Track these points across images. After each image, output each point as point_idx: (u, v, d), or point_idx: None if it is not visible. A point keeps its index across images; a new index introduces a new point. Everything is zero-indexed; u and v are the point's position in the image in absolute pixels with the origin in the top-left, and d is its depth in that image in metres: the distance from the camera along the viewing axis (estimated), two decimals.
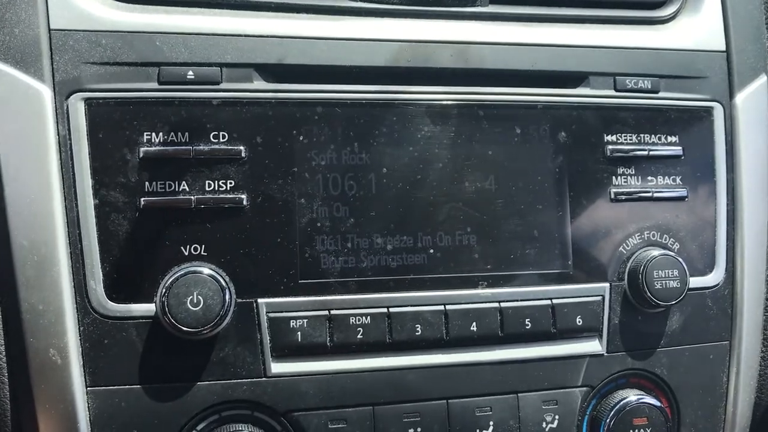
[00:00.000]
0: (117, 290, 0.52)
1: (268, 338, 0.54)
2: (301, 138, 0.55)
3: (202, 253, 0.53)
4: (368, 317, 0.55)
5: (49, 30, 0.53)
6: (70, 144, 0.52)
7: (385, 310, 0.55)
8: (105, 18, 0.54)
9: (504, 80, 0.60)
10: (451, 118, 0.58)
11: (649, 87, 0.62)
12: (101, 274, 0.52)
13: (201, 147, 0.54)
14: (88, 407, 0.52)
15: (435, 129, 0.58)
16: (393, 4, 0.59)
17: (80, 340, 0.52)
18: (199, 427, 0.53)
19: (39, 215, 0.52)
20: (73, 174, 0.52)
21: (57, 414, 0.52)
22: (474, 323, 0.56)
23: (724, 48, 0.65)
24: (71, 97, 0.53)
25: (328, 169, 0.56)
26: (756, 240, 0.64)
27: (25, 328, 0.51)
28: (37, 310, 0.51)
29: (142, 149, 0.53)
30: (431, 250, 0.57)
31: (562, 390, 0.59)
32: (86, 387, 0.52)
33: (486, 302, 0.57)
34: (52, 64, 0.53)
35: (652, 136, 0.62)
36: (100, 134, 0.53)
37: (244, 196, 0.54)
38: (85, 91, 0.53)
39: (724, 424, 0.63)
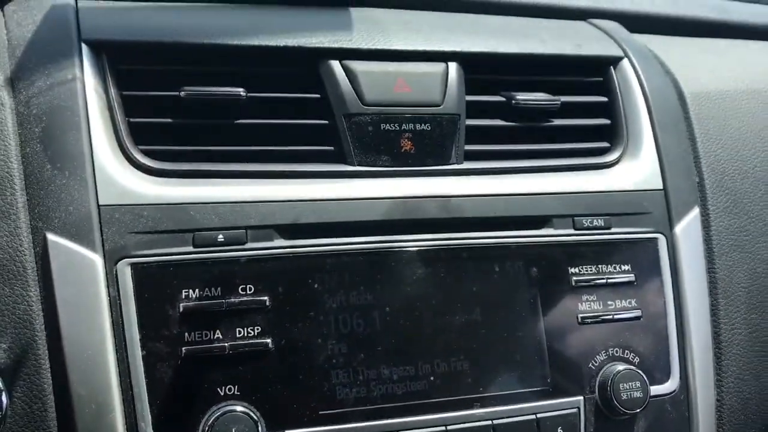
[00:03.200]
0: (164, 430, 0.61)
1: None
2: (315, 286, 0.66)
3: (236, 392, 0.63)
4: None
5: (98, 206, 0.64)
6: (120, 304, 0.62)
7: None
8: (145, 193, 0.65)
9: (481, 226, 0.72)
10: (439, 261, 0.70)
11: (602, 224, 0.75)
12: (150, 416, 0.61)
13: (231, 299, 0.64)
14: None
15: (427, 271, 0.69)
16: (384, 166, 0.72)
17: None
18: None
19: (95, 367, 0.61)
20: (123, 330, 0.62)
21: None
22: None
23: (661, 187, 0.80)
24: (119, 263, 0.63)
25: (339, 311, 0.66)
26: (703, 351, 0.76)
27: None
28: None
29: (181, 305, 0.63)
30: (431, 377, 0.67)
31: None
32: None
33: (481, 420, 0.67)
34: (102, 235, 0.63)
35: (609, 266, 0.75)
36: (146, 294, 0.63)
37: (269, 341, 0.64)
38: (131, 257, 0.63)
39: None
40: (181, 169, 0.68)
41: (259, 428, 0.61)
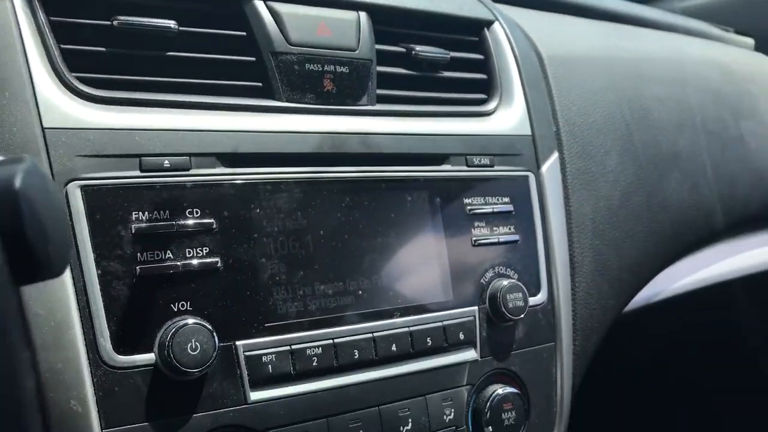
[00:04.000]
0: (122, 344, 0.64)
1: (246, 372, 0.68)
2: (257, 210, 0.72)
3: (189, 308, 0.67)
4: (320, 348, 0.72)
5: (43, 129, 0.64)
6: (72, 225, 0.63)
7: (331, 341, 0.73)
8: (89, 119, 0.66)
9: (395, 161, 0.81)
10: (362, 190, 0.78)
11: (488, 162, 0.88)
12: (108, 332, 0.63)
13: (180, 222, 0.67)
14: None
15: (352, 198, 0.77)
16: (309, 103, 0.78)
17: (95, 389, 0.62)
18: None
19: (52, 287, 0.61)
20: (78, 250, 0.63)
21: None
22: (394, 345, 0.76)
23: (530, 133, 0.94)
24: (69, 185, 0.64)
25: (278, 234, 0.72)
26: (563, 270, 0.92)
27: (45, 386, 0.60)
28: (56, 369, 0.61)
29: (133, 226, 0.65)
30: (359, 292, 0.76)
31: (454, 389, 0.80)
32: (102, 429, 0.62)
33: (401, 328, 0.77)
34: (49, 158, 0.64)
35: (494, 197, 0.87)
36: (97, 216, 0.64)
37: (218, 260, 0.69)
38: (80, 180, 0.64)
39: (556, 403, 0.90)
40: (122, 97, 0.69)
41: (215, 339, 0.66)
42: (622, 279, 1.01)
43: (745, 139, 1.28)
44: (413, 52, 0.88)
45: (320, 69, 0.79)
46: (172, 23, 0.73)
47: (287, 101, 0.78)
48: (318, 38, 0.80)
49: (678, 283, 1.19)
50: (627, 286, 1.03)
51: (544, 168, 0.94)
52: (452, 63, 0.92)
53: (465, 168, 0.87)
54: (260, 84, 0.77)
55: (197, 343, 0.64)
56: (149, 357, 0.65)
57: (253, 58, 0.77)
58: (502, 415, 0.82)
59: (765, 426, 1.71)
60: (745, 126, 1.28)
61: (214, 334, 0.66)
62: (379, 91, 0.84)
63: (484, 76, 0.96)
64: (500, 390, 0.83)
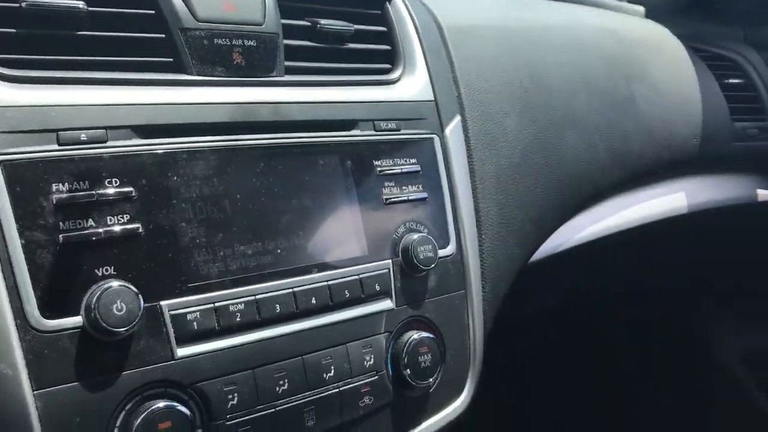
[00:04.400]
0: (50, 309, 0.67)
1: (172, 330, 0.72)
2: (174, 178, 0.75)
3: (113, 272, 0.70)
4: (242, 304, 0.77)
5: None
6: None
7: (253, 297, 0.78)
8: (5, 97, 0.69)
9: (306, 128, 0.86)
10: (276, 156, 0.83)
11: (395, 127, 0.94)
12: (35, 299, 0.66)
13: (100, 191, 0.71)
14: (37, 407, 0.65)
15: (267, 164, 0.82)
16: (220, 76, 0.82)
17: (24, 353, 0.65)
18: (127, 407, 0.70)
19: None
20: (1, 222, 0.66)
21: (12, 416, 0.64)
22: (313, 298, 0.81)
23: (433, 98, 1.00)
24: None
25: (197, 200, 0.76)
26: (470, 223, 0.99)
27: None
28: None
29: (54, 197, 0.68)
30: (278, 251, 0.80)
31: (373, 337, 0.86)
32: (33, 390, 0.65)
33: (319, 282, 0.82)
34: None
35: (401, 159, 0.93)
36: (18, 189, 0.67)
37: (139, 225, 0.72)
38: None
39: (469, 346, 0.97)
40: (38, 75, 0.72)
41: (141, 300, 0.69)
42: (525, 231, 1.09)
43: (636, 100, 1.38)
44: (318, 26, 0.93)
45: (228, 43, 0.83)
46: (80, 3, 0.75)
47: (198, 75, 0.81)
48: (225, 14, 0.84)
49: (580, 234, 1.29)
50: (531, 237, 1.12)
51: (448, 130, 1.00)
52: (357, 35, 0.97)
53: (373, 132, 0.92)
54: (171, 59, 0.81)
55: (123, 304, 0.68)
56: (76, 320, 0.68)
57: (163, 35, 0.80)
58: (419, 358, 0.88)
59: (659, 354, 1.86)
60: (636, 88, 1.38)
61: (139, 295, 0.70)
62: (288, 63, 0.89)
63: (387, 47, 1.01)
64: (416, 335, 0.89)
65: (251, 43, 0.85)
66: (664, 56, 1.56)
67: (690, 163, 1.49)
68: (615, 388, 2.01)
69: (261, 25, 0.86)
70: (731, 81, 1.65)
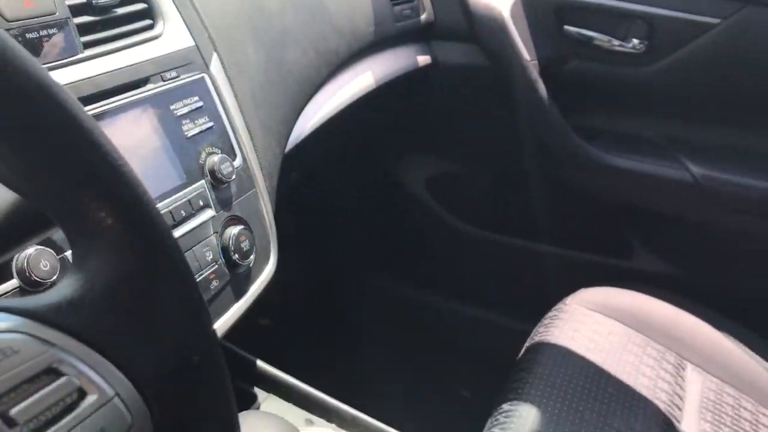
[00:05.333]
0: None
1: None
2: None
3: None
4: None
5: None
6: None
7: None
8: None
9: (110, 94, 1.07)
10: (104, 118, 1.04)
11: (176, 75, 1.18)
12: None
13: None
14: None
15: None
16: (43, 64, 0.99)
17: None
18: None
19: None
20: None
21: None
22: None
23: (194, 43, 1.25)
24: None
25: None
26: (246, 137, 1.29)
27: None
28: None
29: None
30: None
31: (207, 239, 1.15)
32: None
33: (163, 209, 1.08)
34: None
35: (188, 99, 1.19)
36: None
37: None
38: None
39: (268, 229, 1.30)
40: None
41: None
42: (280, 132, 1.42)
43: (325, 4, 1.73)
44: (93, 2, 1.11)
45: (38, 36, 1.00)
46: None
47: None
48: (27, 11, 0.99)
49: (309, 124, 1.65)
50: (284, 136, 1.45)
51: (211, 68, 1.27)
52: (122, 2, 1.16)
53: (162, 83, 1.16)
54: None
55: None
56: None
57: None
58: (240, 245, 1.20)
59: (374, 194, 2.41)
60: None
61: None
62: (84, 39, 1.07)
63: (145, 5, 1.22)
64: (234, 230, 1.20)
65: (54, 31, 1.02)
66: None
67: (369, 47, 1.91)
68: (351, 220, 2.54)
69: (55, 13, 1.03)
70: None
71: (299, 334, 2.37)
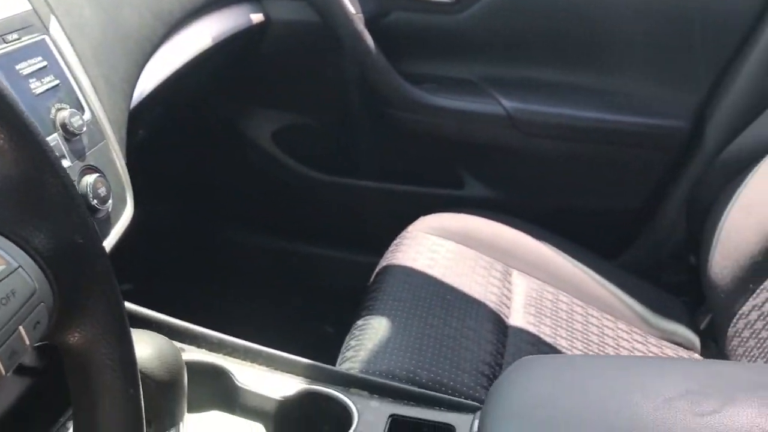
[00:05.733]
0: None
1: None
2: None
3: None
4: None
5: None
6: None
7: None
8: None
9: None
10: None
11: (17, 36, 1.25)
12: None
13: None
14: None
15: None
16: None
17: None
18: None
19: None
20: None
21: None
22: None
23: (30, 7, 1.32)
24: None
25: None
26: (92, 92, 1.38)
27: None
28: None
29: None
30: None
31: None
32: None
33: None
34: None
35: (32, 59, 1.26)
36: None
37: None
38: None
39: (122, 176, 1.41)
40: None
41: None
42: (124, 89, 1.52)
43: None
44: None
45: None
46: None
47: None
48: None
49: (152, 82, 1.75)
50: (128, 92, 1.55)
51: (51, 29, 1.34)
52: None
53: (5, 44, 1.22)
54: None
55: None
56: None
57: None
58: (98, 191, 1.30)
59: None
60: None
61: None
62: None
63: None
64: (90, 178, 1.30)
65: None
66: None
67: (203, 7, 2.01)
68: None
69: None
70: None
71: (168, 282, 2.48)
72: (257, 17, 2.25)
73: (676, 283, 2.13)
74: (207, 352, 1.47)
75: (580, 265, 1.97)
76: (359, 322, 1.83)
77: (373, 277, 2.04)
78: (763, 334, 1.45)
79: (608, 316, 1.97)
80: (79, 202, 0.65)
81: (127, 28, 1.59)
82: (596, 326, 1.95)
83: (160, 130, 2.25)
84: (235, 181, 2.62)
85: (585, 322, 1.94)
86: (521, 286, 1.96)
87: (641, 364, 1.19)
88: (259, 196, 2.63)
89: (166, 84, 1.81)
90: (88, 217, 0.66)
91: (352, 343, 1.75)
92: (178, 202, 2.67)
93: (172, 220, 2.65)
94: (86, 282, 0.64)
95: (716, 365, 1.29)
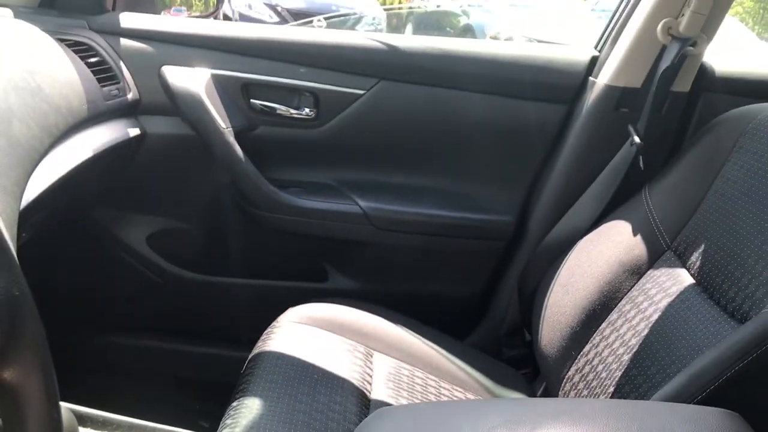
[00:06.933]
0: None
1: None
2: None
3: None
4: None
5: None
6: None
7: None
8: None
9: None
10: None
11: None
12: None
13: None
14: None
15: None
16: None
17: None
18: None
19: None
20: None
21: None
22: None
23: None
24: None
25: None
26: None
27: None
28: None
29: None
30: None
31: None
32: None
33: None
34: None
35: None
36: None
37: None
38: None
39: None
40: None
41: None
42: (15, 192, 1.67)
43: (42, 87, 2.00)
44: None
45: None
46: None
47: None
48: None
49: (39, 186, 1.90)
50: (18, 195, 1.69)
51: None
52: None
53: None
54: None
55: None
56: None
57: None
58: None
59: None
60: (40, 78, 2.00)
61: None
62: None
63: None
64: None
65: None
66: (46, 47, 2.18)
67: (84, 122, 2.20)
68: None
69: None
70: (91, 60, 2.39)
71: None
72: (134, 131, 2.46)
73: (516, 357, 2.41)
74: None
75: (432, 344, 2.25)
76: (234, 404, 1.98)
77: (245, 364, 2.20)
78: (584, 392, 1.75)
79: (458, 388, 2.19)
80: (15, 263, 0.82)
81: (18, 140, 1.75)
82: (447, 397, 2.17)
83: (39, 237, 2.35)
84: (112, 284, 2.73)
85: (437, 394, 2.14)
86: (381, 365, 2.21)
87: (473, 405, 1.46)
88: (136, 297, 2.74)
89: (50, 190, 1.96)
90: (22, 275, 0.83)
91: (228, 422, 1.90)
92: (57, 306, 2.72)
93: (52, 324, 2.69)
94: (21, 325, 0.81)
95: (531, 401, 1.58)
